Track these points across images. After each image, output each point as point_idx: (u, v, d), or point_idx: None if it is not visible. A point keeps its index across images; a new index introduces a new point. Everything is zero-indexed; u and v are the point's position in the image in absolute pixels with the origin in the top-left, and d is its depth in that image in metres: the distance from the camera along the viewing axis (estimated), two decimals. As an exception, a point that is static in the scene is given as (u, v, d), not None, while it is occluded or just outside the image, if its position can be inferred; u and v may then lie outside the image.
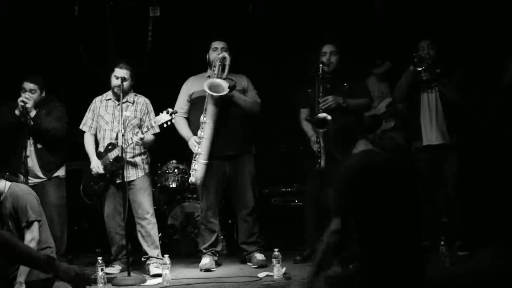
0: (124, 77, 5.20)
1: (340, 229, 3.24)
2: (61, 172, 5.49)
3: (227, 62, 5.20)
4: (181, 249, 5.91)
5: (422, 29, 5.78)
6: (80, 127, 5.42)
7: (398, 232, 3.19)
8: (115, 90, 5.23)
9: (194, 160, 5.13)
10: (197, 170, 5.10)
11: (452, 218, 5.17)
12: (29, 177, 5.19)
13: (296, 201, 6.07)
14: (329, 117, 4.86)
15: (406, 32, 5.89)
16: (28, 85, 5.24)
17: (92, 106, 5.43)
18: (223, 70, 5.21)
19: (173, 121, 5.07)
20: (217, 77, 5.18)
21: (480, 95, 5.45)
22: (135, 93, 5.39)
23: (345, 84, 5.24)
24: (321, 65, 5.18)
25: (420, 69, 5.09)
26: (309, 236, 5.25)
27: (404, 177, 3.36)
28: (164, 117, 5.01)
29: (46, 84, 5.40)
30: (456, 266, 4.75)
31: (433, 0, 6.04)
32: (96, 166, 5.22)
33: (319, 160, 5.06)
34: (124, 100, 5.22)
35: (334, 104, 5.09)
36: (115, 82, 5.22)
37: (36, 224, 4.16)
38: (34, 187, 5.22)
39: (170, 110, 5.02)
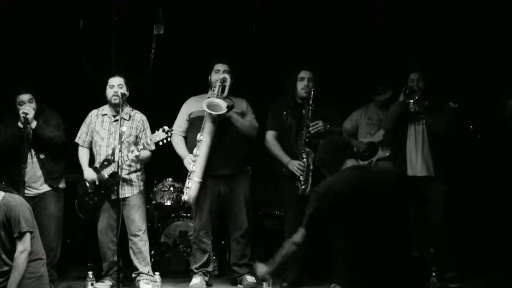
0: (120, 85, 5.23)
1: (301, 242, 3.28)
2: (62, 183, 5.49)
3: (227, 83, 5.24)
4: (172, 267, 5.89)
5: (413, 61, 5.86)
6: (76, 140, 5.43)
7: (384, 251, 3.19)
8: (113, 100, 5.22)
9: (188, 178, 5.14)
10: (191, 188, 5.11)
11: (440, 250, 5.17)
12: (28, 188, 5.21)
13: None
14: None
15: (400, 63, 5.96)
16: (25, 96, 5.24)
17: (87, 120, 5.44)
18: (223, 91, 5.25)
19: (169, 139, 5.10)
20: (217, 97, 5.21)
21: (470, 130, 5.52)
22: (131, 108, 5.41)
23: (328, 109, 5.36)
24: (312, 89, 5.25)
25: (411, 101, 5.17)
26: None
27: (391, 197, 3.35)
28: (160, 135, 5.04)
29: (44, 95, 5.44)
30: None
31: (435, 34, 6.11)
32: (90, 175, 5.23)
33: (302, 185, 5.11)
34: (121, 116, 5.18)
35: (323, 129, 5.19)
36: (111, 92, 5.24)
37: (28, 235, 4.15)
38: (34, 198, 5.26)
39: (166, 128, 5.06)
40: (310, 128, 5.20)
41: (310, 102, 5.24)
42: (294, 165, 5.17)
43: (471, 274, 5.25)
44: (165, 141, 5.07)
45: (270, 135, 5.41)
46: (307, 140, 5.20)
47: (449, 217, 5.19)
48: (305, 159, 5.14)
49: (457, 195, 5.41)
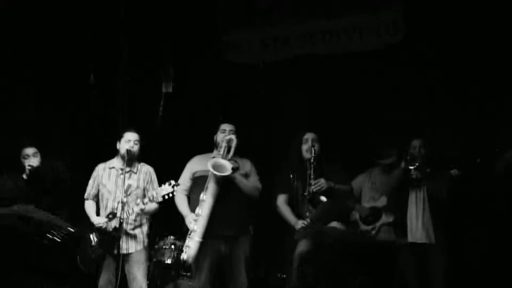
0: (136, 141, 5.29)
1: None
2: None
3: (233, 145, 5.28)
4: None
5: (415, 128, 5.91)
6: (85, 196, 5.45)
7: None
8: (126, 155, 5.23)
9: (189, 237, 5.13)
10: (190, 247, 5.09)
11: None
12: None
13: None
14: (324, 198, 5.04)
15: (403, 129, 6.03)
16: (29, 150, 5.36)
17: (94, 174, 5.48)
18: (228, 152, 5.28)
19: (174, 193, 5.11)
20: (222, 158, 5.25)
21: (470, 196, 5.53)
22: (139, 162, 5.45)
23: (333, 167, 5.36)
24: (313, 148, 5.27)
25: (412, 167, 5.19)
26: None
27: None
28: (166, 188, 5.06)
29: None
30: None
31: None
32: (100, 220, 5.23)
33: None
34: (128, 169, 5.26)
35: (326, 187, 5.17)
36: (125, 145, 5.27)
37: None
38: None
39: (172, 182, 5.08)
40: (312, 187, 5.20)
41: (312, 160, 5.25)
42: (299, 225, 5.17)
43: None
44: (171, 195, 5.08)
45: (281, 199, 5.44)
46: (309, 198, 5.20)
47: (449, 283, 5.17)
48: (308, 219, 5.14)
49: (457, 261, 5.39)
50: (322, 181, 5.21)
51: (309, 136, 5.44)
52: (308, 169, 5.26)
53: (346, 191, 5.39)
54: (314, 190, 5.19)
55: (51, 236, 2.67)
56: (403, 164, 5.26)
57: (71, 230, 2.74)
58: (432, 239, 5.20)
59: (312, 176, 5.23)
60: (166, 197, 5.07)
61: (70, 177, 5.42)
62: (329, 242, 3.35)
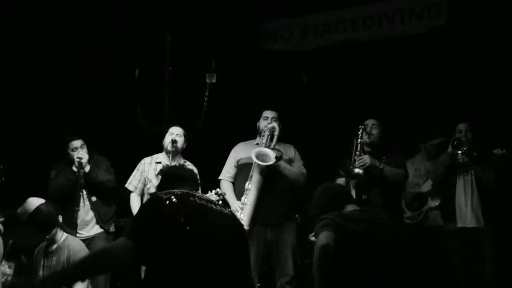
0: (179, 134, 5.37)
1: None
2: (112, 227, 5.61)
3: (276, 133, 5.30)
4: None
5: (461, 111, 5.84)
6: (126, 186, 5.53)
7: None
8: (169, 147, 5.33)
9: (236, 225, 5.17)
10: (238, 235, 5.14)
11: None
12: (79, 232, 5.34)
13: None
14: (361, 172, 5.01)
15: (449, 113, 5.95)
16: (77, 143, 5.47)
17: (140, 167, 5.54)
18: (271, 140, 5.30)
19: (220, 202, 5.16)
20: (265, 146, 5.27)
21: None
22: (184, 160, 5.51)
23: (383, 157, 5.27)
24: (361, 127, 5.26)
25: (459, 152, 5.12)
26: None
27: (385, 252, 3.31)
28: (212, 197, 5.10)
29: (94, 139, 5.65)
30: None
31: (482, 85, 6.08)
32: None
33: None
34: (173, 164, 5.32)
35: (369, 163, 5.13)
36: (168, 138, 5.36)
37: (85, 283, 4.26)
38: (84, 240, 5.37)
39: (219, 191, 5.09)
40: (356, 162, 5.17)
41: (359, 136, 5.25)
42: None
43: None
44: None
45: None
46: (351, 172, 5.16)
47: (499, 271, 5.09)
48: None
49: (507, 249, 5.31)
50: (365, 157, 5.17)
51: (369, 121, 5.43)
52: (356, 147, 5.23)
53: (396, 173, 5.25)
54: (357, 165, 5.15)
55: None
56: (450, 149, 5.21)
57: None
58: (481, 223, 5.13)
59: (357, 152, 5.21)
60: None
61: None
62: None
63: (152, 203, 2.94)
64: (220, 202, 5.08)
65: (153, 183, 5.39)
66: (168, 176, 3.26)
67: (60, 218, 4.50)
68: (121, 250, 2.71)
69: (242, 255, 2.99)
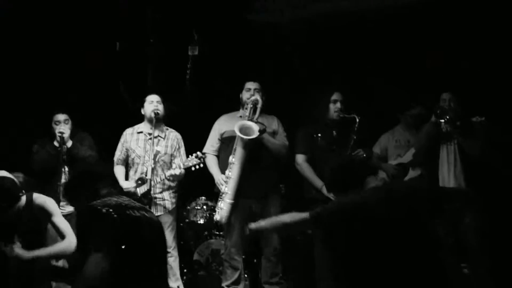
0: (159, 101, 5.37)
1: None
2: None
3: (259, 105, 5.26)
4: (205, 285, 5.89)
5: (445, 81, 5.81)
6: (114, 159, 5.54)
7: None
8: (152, 115, 5.31)
9: (220, 199, 5.18)
10: (223, 209, 5.15)
11: (477, 274, 5.03)
12: (61, 207, 5.31)
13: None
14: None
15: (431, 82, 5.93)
16: (61, 116, 5.46)
17: (122, 139, 5.54)
18: (254, 113, 5.27)
19: (201, 165, 5.17)
20: (248, 119, 5.24)
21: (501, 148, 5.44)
22: (166, 127, 5.50)
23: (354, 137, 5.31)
24: (337, 113, 5.35)
25: (442, 120, 5.11)
26: (320, 277, 5.25)
27: (414, 218, 3.27)
28: (192, 160, 5.14)
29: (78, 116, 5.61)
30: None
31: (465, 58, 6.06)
32: (129, 185, 5.31)
33: None
34: (156, 134, 5.32)
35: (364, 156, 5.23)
36: (150, 107, 5.34)
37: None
38: (66, 216, 5.36)
39: (199, 154, 5.15)
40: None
41: (355, 130, 5.28)
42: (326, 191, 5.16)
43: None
44: (197, 166, 5.15)
45: (301, 159, 5.44)
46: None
47: (484, 237, 5.11)
48: None
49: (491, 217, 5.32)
50: (361, 151, 5.27)
51: (337, 96, 5.44)
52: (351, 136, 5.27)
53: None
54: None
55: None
56: (433, 118, 5.18)
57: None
58: None
59: (351, 145, 5.26)
60: (193, 168, 5.13)
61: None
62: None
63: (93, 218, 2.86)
64: (201, 165, 5.15)
65: (137, 153, 5.41)
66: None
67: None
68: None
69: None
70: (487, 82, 5.93)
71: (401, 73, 6.29)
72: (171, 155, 5.41)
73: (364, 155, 5.26)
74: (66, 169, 5.44)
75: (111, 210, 2.78)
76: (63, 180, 5.34)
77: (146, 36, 6.50)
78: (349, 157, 4.75)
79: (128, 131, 5.55)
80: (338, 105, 5.40)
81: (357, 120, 5.27)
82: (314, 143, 5.41)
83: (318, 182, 5.26)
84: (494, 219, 5.34)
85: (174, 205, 5.43)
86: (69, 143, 5.38)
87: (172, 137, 5.47)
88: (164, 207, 5.35)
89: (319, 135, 5.41)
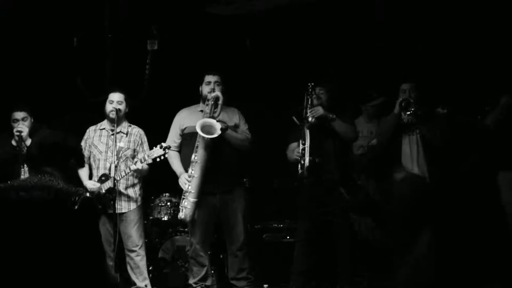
0: (119, 101, 5.26)
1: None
2: None
3: (220, 102, 5.17)
4: (171, 282, 5.83)
5: (404, 70, 5.84)
6: None
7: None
8: (111, 115, 5.24)
9: (184, 197, 5.12)
10: (187, 207, 5.08)
11: None
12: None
13: (288, 237, 6.00)
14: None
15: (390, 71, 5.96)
16: (19, 114, 5.33)
17: (85, 136, 5.46)
18: (215, 107, 5.19)
19: (166, 155, 5.11)
20: (210, 116, 5.16)
21: (462, 136, 5.49)
22: (129, 124, 5.43)
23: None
24: (311, 84, 5.27)
25: (408, 112, 5.13)
26: (297, 274, 5.24)
27: None
28: (157, 151, 5.06)
29: (35, 112, 5.48)
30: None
31: (420, 42, 6.09)
32: (92, 186, 5.23)
33: (302, 162, 5.12)
34: (118, 130, 5.25)
35: (322, 113, 5.16)
36: (109, 107, 5.26)
37: None
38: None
39: (163, 144, 5.08)
40: (309, 113, 5.19)
41: (310, 90, 5.26)
42: (295, 153, 5.22)
43: None
44: (162, 157, 5.08)
45: (290, 148, 5.45)
46: (306, 122, 5.19)
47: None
48: (302, 142, 5.17)
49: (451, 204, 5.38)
50: (318, 108, 5.20)
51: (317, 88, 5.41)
52: (307, 101, 5.25)
53: (347, 127, 5.27)
54: (310, 115, 5.17)
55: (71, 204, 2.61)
56: (397, 110, 5.19)
57: (85, 195, 2.68)
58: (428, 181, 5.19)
59: (309, 105, 5.23)
60: (158, 159, 5.07)
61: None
62: None
63: None
64: (166, 155, 5.09)
65: (99, 148, 5.35)
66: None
67: None
68: None
69: None
70: (446, 70, 5.99)
71: (362, 63, 6.30)
72: (134, 150, 5.34)
73: (320, 113, 5.17)
74: (26, 169, 5.30)
75: None
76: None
77: (104, 30, 6.37)
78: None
79: (91, 128, 5.49)
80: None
81: (311, 84, 5.27)
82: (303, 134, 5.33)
83: (295, 154, 5.26)
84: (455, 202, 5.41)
85: (139, 202, 5.36)
86: (28, 142, 5.24)
87: (135, 133, 5.41)
88: (129, 204, 5.28)
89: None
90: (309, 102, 5.24)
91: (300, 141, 5.20)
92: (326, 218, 5.21)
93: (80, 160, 3.03)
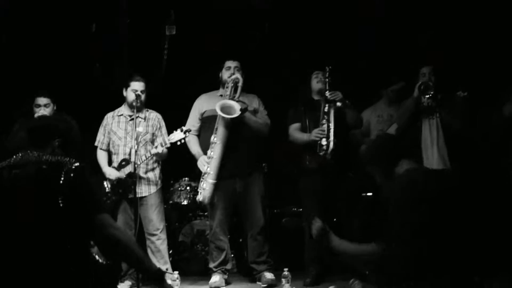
0: (142, 90, 5.29)
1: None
2: None
3: (240, 84, 5.22)
4: (191, 267, 5.87)
5: (423, 53, 5.81)
6: (95, 144, 5.46)
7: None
8: (134, 103, 5.24)
9: (203, 179, 5.15)
10: (205, 189, 5.12)
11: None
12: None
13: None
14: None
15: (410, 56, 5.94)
16: (42, 100, 5.36)
17: (104, 122, 5.48)
18: (235, 91, 5.23)
19: (187, 139, 5.13)
20: (229, 98, 5.20)
21: (482, 120, 5.47)
22: (146, 109, 5.45)
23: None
24: (329, 66, 5.31)
25: (427, 96, 5.13)
26: (310, 260, 5.30)
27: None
28: (178, 135, 5.07)
29: (58, 99, 5.50)
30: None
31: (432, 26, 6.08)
32: (112, 173, 5.26)
33: (324, 146, 5.14)
34: (136, 115, 5.26)
35: (341, 98, 5.20)
36: (132, 95, 5.26)
37: None
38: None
39: (184, 128, 5.09)
40: (328, 95, 5.21)
41: (327, 75, 5.27)
42: (314, 132, 5.20)
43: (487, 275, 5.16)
44: (182, 141, 5.10)
45: (292, 128, 5.45)
46: (325, 104, 5.23)
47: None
48: (325, 123, 5.18)
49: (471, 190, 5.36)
50: (338, 92, 5.22)
51: (317, 74, 5.49)
52: (325, 80, 5.29)
53: (357, 115, 5.39)
54: (329, 97, 5.20)
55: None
56: (416, 93, 5.18)
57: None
58: (447, 164, 5.17)
59: (327, 88, 5.25)
60: (178, 143, 5.09)
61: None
62: None
63: None
64: (186, 139, 5.12)
65: (118, 134, 5.37)
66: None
67: None
68: None
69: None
70: (466, 54, 5.96)
71: (382, 48, 6.28)
72: (153, 134, 5.36)
73: (340, 97, 5.22)
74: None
75: None
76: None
77: (122, 16, 6.38)
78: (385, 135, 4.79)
79: (109, 115, 5.50)
80: (320, 76, 5.42)
81: (328, 68, 5.30)
82: (304, 116, 5.42)
83: (304, 136, 5.31)
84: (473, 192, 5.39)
85: (159, 186, 5.39)
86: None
87: (153, 117, 5.43)
88: (150, 188, 5.31)
89: (306, 108, 5.44)
90: (326, 87, 5.26)
91: (321, 122, 5.21)
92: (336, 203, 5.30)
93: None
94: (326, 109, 5.23)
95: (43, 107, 5.34)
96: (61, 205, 2.60)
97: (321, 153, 5.15)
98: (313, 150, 5.20)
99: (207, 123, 5.30)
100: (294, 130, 5.43)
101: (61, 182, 2.63)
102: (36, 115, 5.26)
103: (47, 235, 2.58)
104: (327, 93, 5.21)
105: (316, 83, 5.44)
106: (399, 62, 6.07)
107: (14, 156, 2.79)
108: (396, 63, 6.09)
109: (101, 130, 5.47)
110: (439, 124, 5.19)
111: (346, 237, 3.42)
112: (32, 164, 2.71)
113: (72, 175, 2.65)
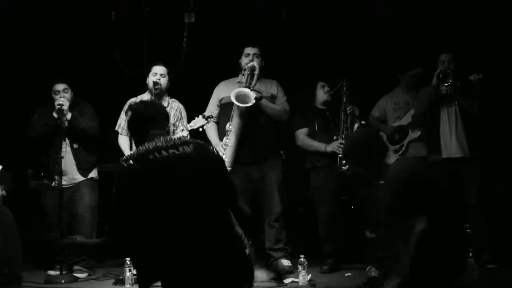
0: (162, 74, 5.30)
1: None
2: (94, 173, 5.58)
3: (256, 72, 5.20)
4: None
5: (443, 40, 5.80)
6: (116, 129, 5.50)
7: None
8: (153, 90, 5.26)
9: (219, 166, 5.16)
10: (221, 176, 5.13)
11: (477, 232, 5.02)
12: (63, 178, 5.30)
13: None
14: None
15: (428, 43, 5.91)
16: (60, 86, 5.40)
17: (125, 108, 5.44)
18: (251, 79, 5.21)
19: (208, 125, 5.14)
20: (245, 86, 5.19)
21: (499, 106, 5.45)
22: (170, 97, 5.45)
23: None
24: (346, 79, 5.45)
25: (446, 84, 5.10)
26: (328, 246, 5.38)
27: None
28: (200, 121, 5.06)
29: (76, 85, 5.56)
30: (484, 279, 4.68)
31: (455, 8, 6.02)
32: None
33: (344, 163, 5.21)
34: (159, 102, 5.26)
35: (360, 114, 5.42)
36: (152, 79, 5.28)
37: None
38: (69, 188, 5.38)
39: (206, 114, 5.07)
40: (348, 109, 5.38)
41: (344, 89, 5.42)
42: (335, 145, 5.31)
43: (508, 255, 5.17)
44: (205, 127, 5.11)
45: (301, 133, 5.54)
46: (346, 118, 5.38)
47: (485, 199, 5.15)
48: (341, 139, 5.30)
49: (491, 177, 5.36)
50: (356, 108, 5.44)
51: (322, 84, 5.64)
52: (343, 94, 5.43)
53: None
54: (348, 112, 5.36)
55: None
56: (434, 81, 5.16)
57: None
58: (467, 153, 5.15)
59: (345, 101, 5.42)
60: (200, 129, 5.09)
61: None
62: None
63: (117, 182, 2.89)
64: (208, 125, 5.15)
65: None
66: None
67: None
68: None
69: (222, 192, 3.01)
70: (483, 40, 5.94)
71: (400, 34, 6.24)
72: (173, 124, 5.36)
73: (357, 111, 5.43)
74: (67, 141, 5.41)
75: (132, 162, 2.80)
76: (62, 152, 5.33)
77: (141, 3, 6.40)
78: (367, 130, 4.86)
79: (132, 100, 5.45)
80: (326, 88, 5.57)
81: (345, 81, 5.44)
82: (312, 122, 5.56)
83: (321, 146, 5.41)
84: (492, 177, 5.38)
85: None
86: (69, 115, 5.32)
87: (175, 107, 5.42)
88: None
89: (313, 111, 5.61)
90: (345, 99, 5.44)
91: (341, 135, 5.39)
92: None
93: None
94: (348, 123, 5.37)
95: (62, 92, 5.39)
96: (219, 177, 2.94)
97: (341, 169, 5.25)
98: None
99: (225, 109, 5.31)
100: (305, 136, 5.54)
101: (217, 157, 3.00)
102: (56, 103, 5.30)
103: (213, 204, 2.88)
104: (348, 108, 5.40)
105: (323, 94, 5.56)
106: (418, 48, 6.02)
107: (161, 138, 2.91)
108: (415, 49, 6.04)
109: (122, 116, 5.47)
110: (458, 112, 5.20)
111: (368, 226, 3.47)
112: (182, 145, 2.88)
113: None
